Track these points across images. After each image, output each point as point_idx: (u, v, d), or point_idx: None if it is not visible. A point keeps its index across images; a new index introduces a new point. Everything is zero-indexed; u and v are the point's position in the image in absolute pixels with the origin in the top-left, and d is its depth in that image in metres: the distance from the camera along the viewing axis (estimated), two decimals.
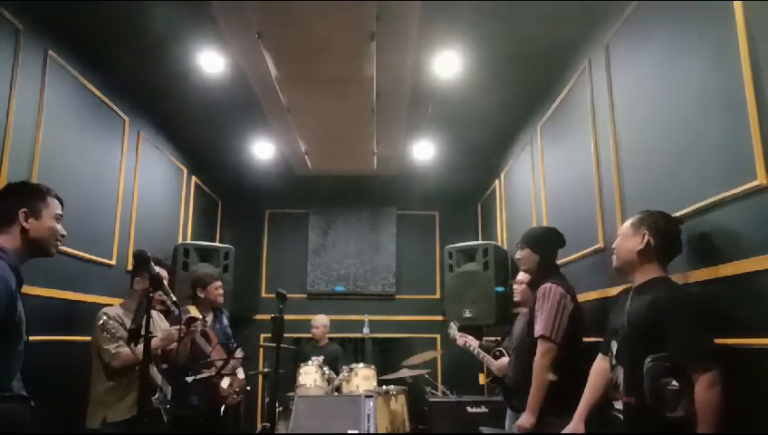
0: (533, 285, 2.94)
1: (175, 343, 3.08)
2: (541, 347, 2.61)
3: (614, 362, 2.07)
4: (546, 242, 2.90)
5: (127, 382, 2.84)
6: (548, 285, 2.69)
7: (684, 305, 1.88)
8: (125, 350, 2.77)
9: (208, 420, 3.58)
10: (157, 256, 2.79)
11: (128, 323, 2.85)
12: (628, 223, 2.14)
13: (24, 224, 1.86)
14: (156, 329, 2.97)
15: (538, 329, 2.64)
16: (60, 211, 1.98)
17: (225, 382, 3.62)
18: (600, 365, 2.29)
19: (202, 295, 3.91)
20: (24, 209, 1.87)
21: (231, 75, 3.76)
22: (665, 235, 2.04)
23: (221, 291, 4.02)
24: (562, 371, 2.59)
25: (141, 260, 2.19)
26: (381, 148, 5.10)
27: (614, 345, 2.08)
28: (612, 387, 2.07)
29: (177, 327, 3.03)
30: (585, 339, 2.78)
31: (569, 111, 3.55)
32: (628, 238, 2.10)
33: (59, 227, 1.96)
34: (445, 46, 3.48)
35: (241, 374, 3.96)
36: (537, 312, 2.68)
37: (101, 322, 2.74)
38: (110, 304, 3.13)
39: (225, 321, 4.16)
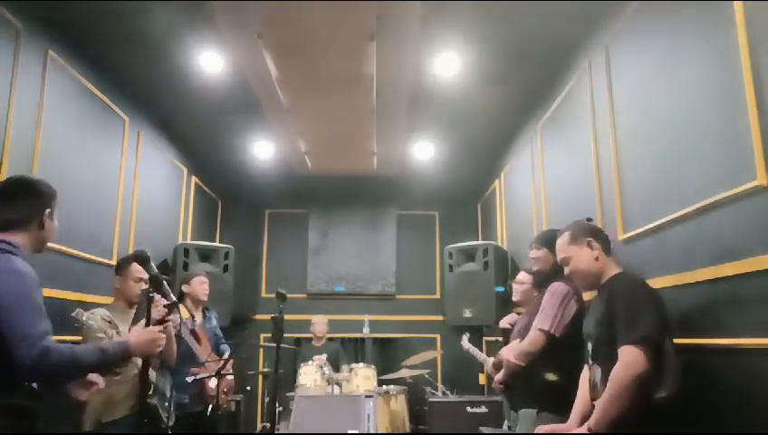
0: (541, 285, 2.92)
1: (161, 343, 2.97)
2: (533, 335, 2.61)
3: (590, 362, 2.10)
4: None
5: (114, 381, 2.76)
6: (558, 282, 2.69)
7: (627, 290, 1.94)
8: None
9: (196, 419, 3.56)
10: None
11: (116, 321, 2.83)
12: (564, 245, 2.18)
13: (47, 224, 1.87)
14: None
15: (537, 322, 2.64)
16: None
17: (212, 382, 3.58)
18: (587, 372, 2.27)
19: (186, 291, 3.83)
20: (48, 210, 1.88)
21: (231, 75, 3.76)
22: (598, 232, 2.16)
23: (205, 286, 3.88)
24: (564, 371, 2.59)
25: (141, 260, 2.18)
26: (381, 148, 5.10)
27: (589, 346, 2.11)
28: (591, 388, 2.08)
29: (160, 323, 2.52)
30: None
31: (569, 111, 3.55)
32: (578, 257, 2.14)
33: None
34: (445, 46, 3.48)
35: (229, 375, 3.92)
36: (542, 307, 2.69)
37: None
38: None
39: (215, 321, 4.07)
